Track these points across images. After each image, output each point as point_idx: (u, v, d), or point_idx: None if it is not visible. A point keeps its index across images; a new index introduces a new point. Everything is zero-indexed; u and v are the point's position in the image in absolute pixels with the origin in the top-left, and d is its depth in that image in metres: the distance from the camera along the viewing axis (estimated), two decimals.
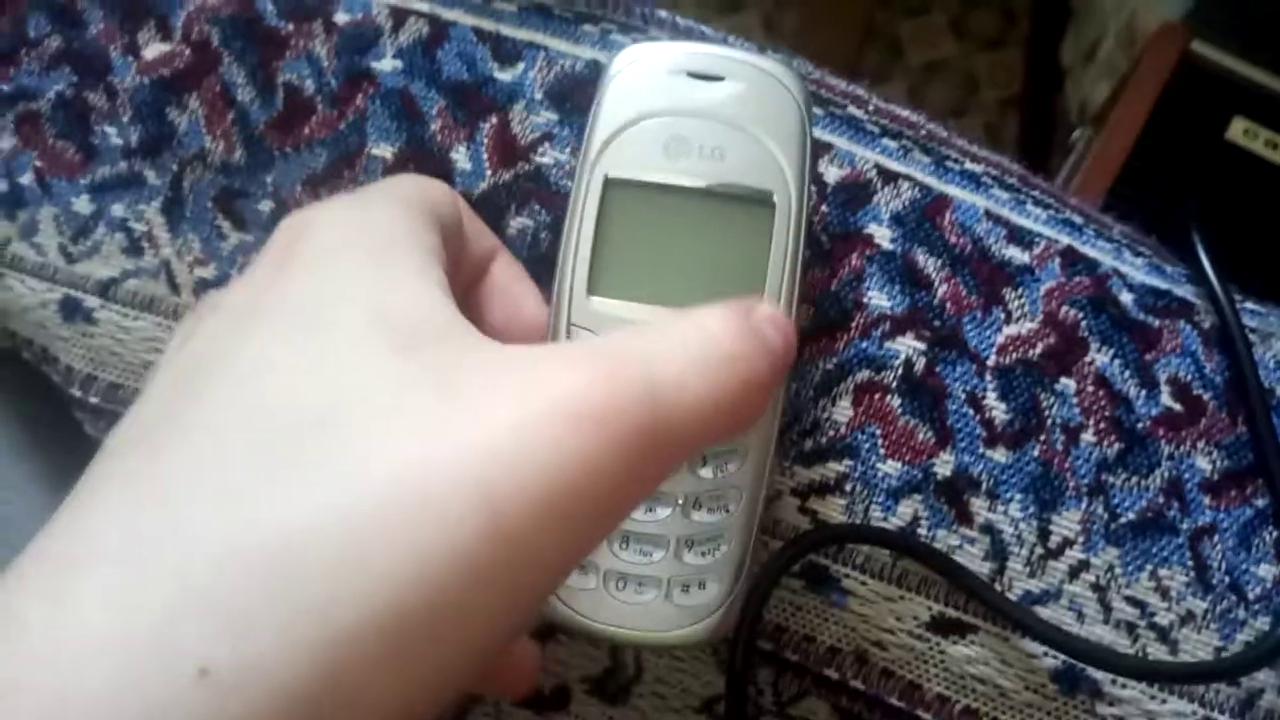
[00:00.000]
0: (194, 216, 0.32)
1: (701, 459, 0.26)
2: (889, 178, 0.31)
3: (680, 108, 0.25)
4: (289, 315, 0.19)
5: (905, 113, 0.34)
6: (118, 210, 0.32)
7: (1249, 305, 0.33)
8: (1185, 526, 0.28)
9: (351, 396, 0.17)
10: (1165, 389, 0.30)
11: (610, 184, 0.26)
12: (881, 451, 0.29)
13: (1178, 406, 0.29)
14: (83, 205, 0.33)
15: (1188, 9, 0.61)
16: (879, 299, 0.30)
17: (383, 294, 0.19)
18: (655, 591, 0.26)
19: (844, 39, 1.13)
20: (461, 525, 0.16)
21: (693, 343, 0.19)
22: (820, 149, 0.32)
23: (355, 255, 0.20)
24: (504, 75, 0.32)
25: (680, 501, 0.26)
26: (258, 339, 0.18)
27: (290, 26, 0.33)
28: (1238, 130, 0.55)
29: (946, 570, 0.28)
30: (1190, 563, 0.28)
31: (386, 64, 0.32)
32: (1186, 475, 0.29)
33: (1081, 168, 0.57)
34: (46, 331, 0.33)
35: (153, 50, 0.33)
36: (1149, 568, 0.28)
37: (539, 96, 0.32)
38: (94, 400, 0.33)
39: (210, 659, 0.14)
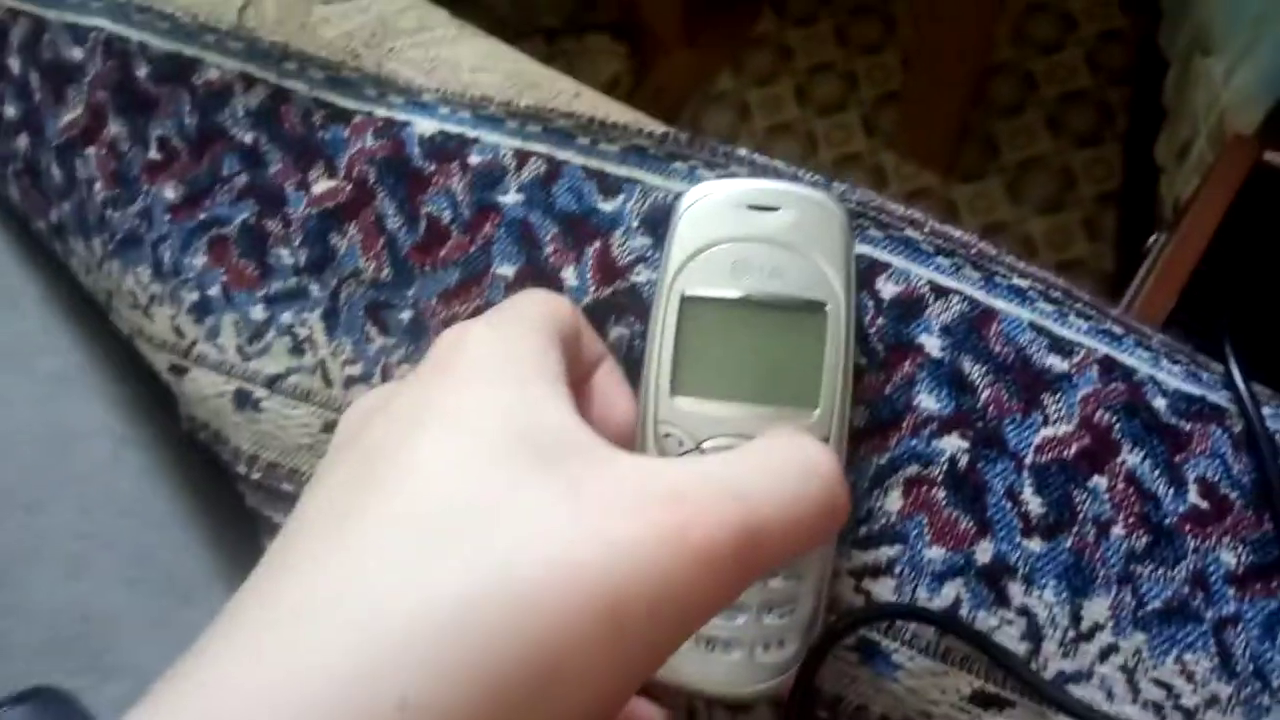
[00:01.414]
0: (347, 323, 0.39)
1: None
2: (940, 293, 0.36)
3: (743, 234, 0.31)
4: (445, 422, 0.23)
5: (958, 233, 0.38)
6: (286, 318, 0.39)
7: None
8: (1209, 615, 0.31)
9: (497, 497, 0.21)
10: (1193, 488, 0.33)
11: (686, 301, 0.31)
12: (928, 538, 0.33)
13: (1204, 504, 0.32)
14: (258, 313, 0.40)
15: (1264, 116, 0.64)
16: (928, 402, 0.34)
17: (524, 411, 0.24)
18: (741, 651, 0.30)
19: (940, 138, 1.17)
20: (594, 624, 0.20)
21: (788, 475, 0.23)
22: (879, 268, 0.36)
23: (500, 374, 0.25)
24: (607, 206, 0.38)
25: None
26: (420, 441, 0.23)
27: (433, 166, 0.39)
28: None
29: (984, 647, 0.31)
30: (1214, 649, 0.31)
31: (510, 197, 0.39)
32: (1211, 568, 0.32)
33: (1156, 269, 0.60)
34: (221, 417, 0.40)
35: (320, 186, 0.40)
36: (1174, 652, 0.31)
37: (635, 224, 0.38)
38: (256, 476, 0.39)
39: (407, 694, 0.18)
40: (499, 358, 0.26)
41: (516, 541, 0.20)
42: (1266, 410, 0.34)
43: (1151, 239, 0.64)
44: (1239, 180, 0.59)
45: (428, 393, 0.25)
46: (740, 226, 0.31)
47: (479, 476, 0.22)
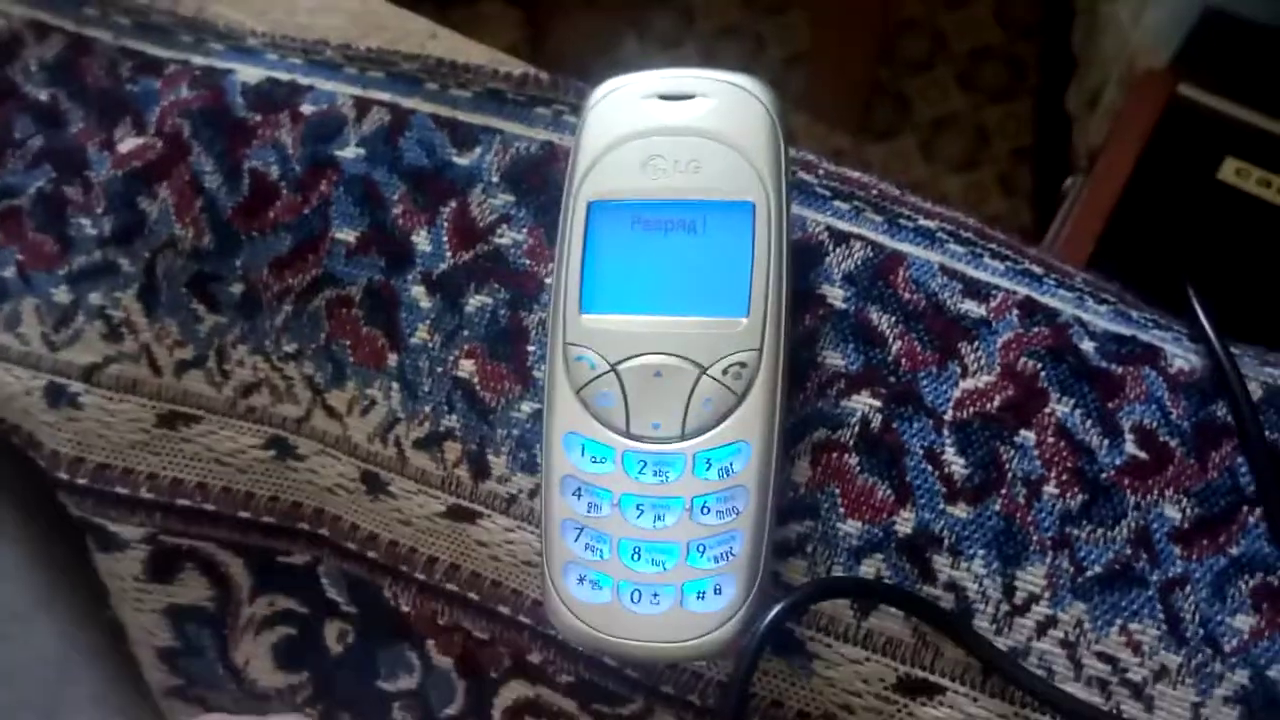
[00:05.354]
0: (169, 301, 0.33)
1: (706, 461, 0.26)
2: (840, 238, 0.32)
3: (654, 127, 0.26)
4: None
5: (856, 174, 0.34)
6: (95, 298, 0.34)
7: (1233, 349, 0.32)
8: (1155, 578, 0.28)
9: None
10: (1129, 437, 0.29)
11: (594, 207, 0.26)
12: (841, 510, 0.29)
13: (1143, 455, 0.29)
14: (62, 295, 0.34)
15: (1175, 52, 0.61)
16: (833, 358, 0.30)
17: None
18: (670, 600, 0.26)
19: (851, 98, 1.14)
20: None
21: None
22: None
23: None
24: (462, 160, 0.33)
25: (688, 506, 0.26)
26: None
27: (258, 117, 0.34)
28: (1230, 170, 0.55)
29: (954, 630, 0.27)
30: (1162, 615, 0.27)
31: (350, 152, 0.33)
32: (1155, 525, 0.28)
33: (1072, 214, 0.57)
34: (31, 417, 0.34)
35: (127, 144, 0.34)
36: (1119, 622, 0.27)
37: (496, 179, 0.33)
38: (82, 481, 0.34)
39: None
40: None
41: None
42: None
43: (1067, 182, 0.62)
44: (1153, 117, 0.57)
45: None
46: (651, 119, 0.27)
47: None
